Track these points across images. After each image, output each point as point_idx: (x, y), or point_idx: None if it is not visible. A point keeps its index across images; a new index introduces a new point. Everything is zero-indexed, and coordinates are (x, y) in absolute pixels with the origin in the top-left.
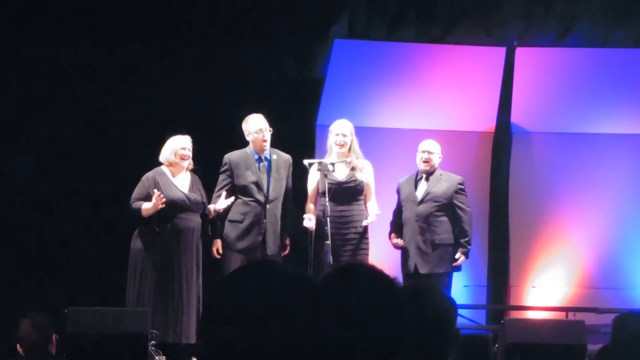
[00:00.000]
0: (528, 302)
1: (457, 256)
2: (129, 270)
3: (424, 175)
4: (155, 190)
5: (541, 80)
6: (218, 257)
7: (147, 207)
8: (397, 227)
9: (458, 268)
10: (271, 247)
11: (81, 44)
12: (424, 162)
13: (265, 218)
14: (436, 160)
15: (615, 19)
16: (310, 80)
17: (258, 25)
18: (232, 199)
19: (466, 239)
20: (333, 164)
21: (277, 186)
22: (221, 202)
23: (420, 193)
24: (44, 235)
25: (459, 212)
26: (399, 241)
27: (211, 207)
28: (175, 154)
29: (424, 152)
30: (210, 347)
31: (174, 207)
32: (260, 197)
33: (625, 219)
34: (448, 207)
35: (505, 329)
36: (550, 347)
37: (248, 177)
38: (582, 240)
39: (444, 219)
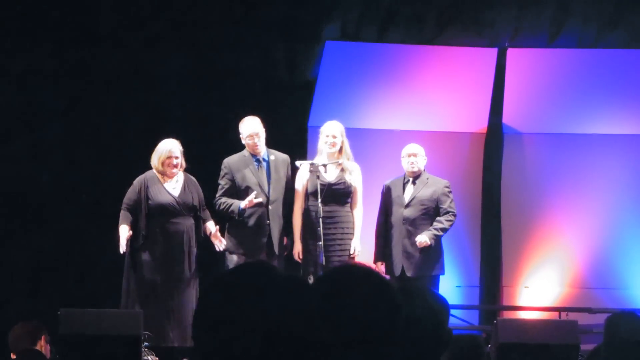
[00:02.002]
0: (521, 303)
1: (419, 237)
2: (124, 274)
3: (411, 179)
4: (125, 241)
5: (533, 81)
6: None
7: (120, 233)
8: (383, 231)
9: (442, 271)
10: (277, 247)
11: (80, 43)
12: (410, 164)
13: (268, 219)
14: (421, 161)
15: (606, 19)
16: (302, 82)
17: (250, 27)
18: (217, 227)
19: (438, 227)
20: (325, 166)
21: (278, 186)
22: (215, 236)
23: (407, 196)
24: (37, 236)
25: (444, 211)
26: (383, 268)
27: (208, 227)
28: (163, 164)
29: (409, 155)
30: (202, 348)
31: (163, 212)
32: (262, 199)
33: (618, 219)
34: (434, 210)
35: (498, 329)
36: (543, 347)
37: (249, 180)
38: (574, 240)
39: (431, 222)
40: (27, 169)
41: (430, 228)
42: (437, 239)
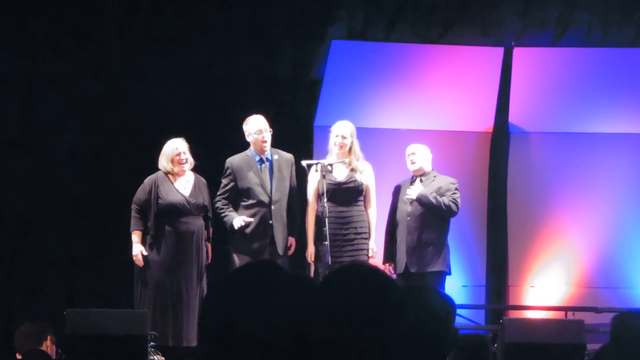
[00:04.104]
0: (527, 302)
1: (410, 190)
2: (134, 273)
3: (419, 177)
4: (140, 256)
5: (539, 80)
6: None
7: (134, 242)
8: (390, 232)
9: (447, 269)
10: (281, 248)
11: (81, 42)
12: (411, 163)
13: (271, 219)
14: (421, 159)
15: (613, 18)
16: (308, 81)
17: (256, 27)
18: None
19: (438, 197)
20: (331, 165)
21: (281, 186)
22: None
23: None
24: (44, 235)
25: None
26: (391, 269)
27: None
28: (172, 161)
29: (408, 155)
30: (208, 347)
31: (174, 211)
32: (265, 199)
33: (624, 218)
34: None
35: (504, 328)
36: (550, 347)
37: (251, 180)
38: (580, 239)
39: (436, 218)
40: (32, 168)
41: (432, 192)
42: (425, 203)
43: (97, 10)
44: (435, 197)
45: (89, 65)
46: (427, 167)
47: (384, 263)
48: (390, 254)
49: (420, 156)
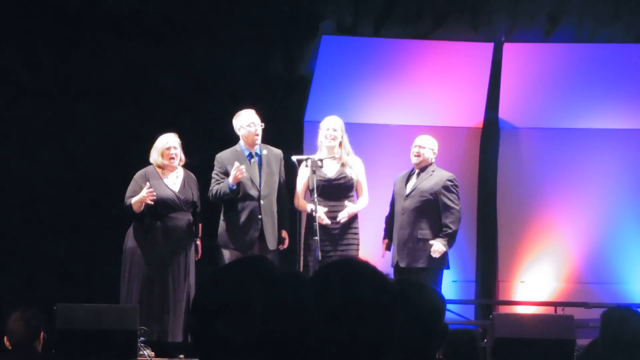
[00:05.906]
0: (517, 297)
1: (433, 246)
2: (122, 268)
3: (417, 171)
4: (148, 183)
5: (529, 76)
6: None
7: (135, 199)
8: (390, 222)
9: (447, 265)
10: (271, 242)
11: (81, 39)
12: (415, 155)
13: (260, 214)
14: (428, 154)
15: (603, 14)
16: (299, 76)
17: (246, 22)
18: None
19: (447, 233)
20: (322, 160)
21: (270, 181)
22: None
23: (409, 188)
24: (35, 230)
25: (444, 208)
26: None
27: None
28: (162, 155)
29: (415, 146)
30: (199, 343)
31: (163, 206)
32: (254, 193)
33: (614, 214)
34: (434, 202)
35: (494, 324)
36: (539, 342)
37: None
38: (570, 235)
39: (429, 214)
40: (25, 165)
41: (440, 234)
42: (452, 239)
43: (94, 7)
44: (449, 234)
45: (87, 65)
46: (430, 160)
47: (383, 239)
48: (388, 234)
49: (427, 151)
